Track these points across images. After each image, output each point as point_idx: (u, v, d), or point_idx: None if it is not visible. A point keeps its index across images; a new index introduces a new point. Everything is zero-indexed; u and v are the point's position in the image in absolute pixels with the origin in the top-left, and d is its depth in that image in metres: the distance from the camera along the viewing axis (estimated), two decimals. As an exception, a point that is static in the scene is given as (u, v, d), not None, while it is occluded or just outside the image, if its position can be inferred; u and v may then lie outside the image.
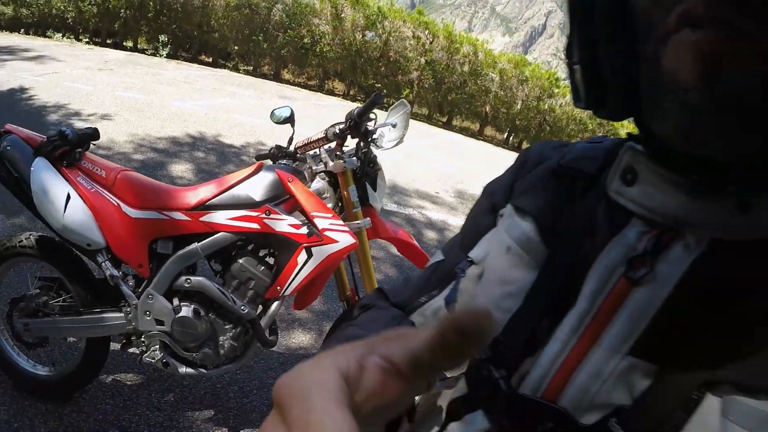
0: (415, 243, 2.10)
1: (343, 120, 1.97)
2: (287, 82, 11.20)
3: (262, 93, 9.25)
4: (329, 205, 1.87)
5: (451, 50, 10.78)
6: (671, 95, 0.35)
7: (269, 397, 2.24)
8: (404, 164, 6.21)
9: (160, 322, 1.82)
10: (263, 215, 1.72)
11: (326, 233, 1.71)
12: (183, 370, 1.89)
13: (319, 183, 1.94)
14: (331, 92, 11.36)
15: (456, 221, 4.87)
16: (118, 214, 1.78)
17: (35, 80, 7.48)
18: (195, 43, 11.68)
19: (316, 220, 1.73)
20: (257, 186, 1.77)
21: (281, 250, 1.77)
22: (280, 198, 1.77)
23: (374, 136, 1.98)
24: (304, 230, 1.72)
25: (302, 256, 1.72)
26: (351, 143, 2.01)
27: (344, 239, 1.73)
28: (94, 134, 1.91)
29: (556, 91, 11.29)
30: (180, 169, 4.81)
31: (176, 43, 11.61)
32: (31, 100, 6.54)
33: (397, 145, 2.01)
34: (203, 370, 1.89)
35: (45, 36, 12.68)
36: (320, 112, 8.24)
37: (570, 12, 0.45)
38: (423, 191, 5.31)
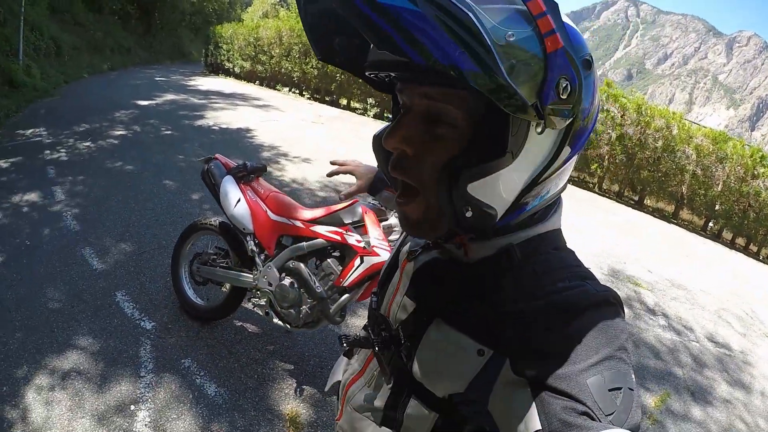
0: None
1: None
2: None
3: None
4: (395, 237, 2.55)
5: (642, 124, 10.28)
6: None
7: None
8: (566, 237, 6.34)
9: (270, 285, 2.81)
10: (344, 232, 2.58)
11: (374, 248, 2.50)
12: (276, 321, 2.85)
13: (393, 219, 2.63)
14: None
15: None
16: (264, 216, 2.85)
17: (259, 123, 9.65)
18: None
19: (371, 239, 2.52)
20: (348, 214, 2.62)
21: (349, 256, 2.61)
22: (359, 223, 2.59)
23: None
24: (362, 244, 2.53)
25: (357, 261, 2.54)
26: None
27: (385, 255, 2.48)
28: (263, 168, 3.09)
29: (761, 171, 9.85)
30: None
31: (383, 106, 13.62)
32: (252, 139, 8.57)
33: None
34: (288, 326, 2.82)
35: (274, 89, 15.84)
36: None
37: None
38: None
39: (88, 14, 20.21)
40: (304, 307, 2.74)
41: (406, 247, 0.90)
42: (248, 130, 9.17)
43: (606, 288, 0.69)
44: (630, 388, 0.60)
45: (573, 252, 0.78)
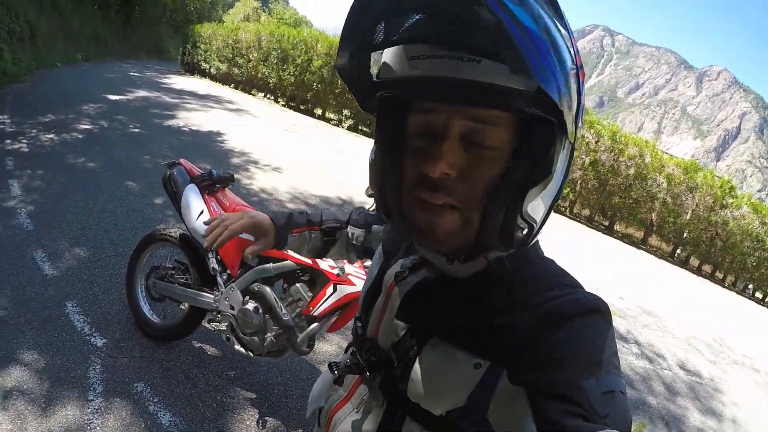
0: None
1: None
2: None
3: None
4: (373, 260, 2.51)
5: (615, 151, 10.53)
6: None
7: (303, 405, 2.82)
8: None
9: (232, 308, 2.59)
10: None
11: (349, 276, 2.33)
12: (237, 347, 2.62)
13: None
14: None
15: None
16: None
17: (231, 128, 9.40)
18: (373, 121, 13.37)
19: (346, 267, 2.35)
20: None
21: (320, 283, 2.42)
22: None
23: None
24: (336, 271, 2.36)
25: (330, 290, 2.36)
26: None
27: (361, 284, 2.30)
28: (230, 178, 2.84)
29: (730, 201, 10.22)
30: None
31: (358, 118, 13.47)
32: (222, 144, 8.32)
33: None
34: (251, 354, 2.59)
35: (250, 93, 15.59)
36: None
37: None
38: None
39: (68, 0, 19.52)
40: (269, 334, 2.52)
41: (390, 270, 0.90)
42: (219, 134, 8.93)
43: (595, 296, 0.72)
44: (621, 392, 0.63)
45: (554, 261, 0.81)
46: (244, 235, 2.55)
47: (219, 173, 2.79)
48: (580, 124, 0.71)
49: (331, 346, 3.53)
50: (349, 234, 1.32)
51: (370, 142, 11.08)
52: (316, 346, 3.34)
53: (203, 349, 3.12)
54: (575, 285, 0.74)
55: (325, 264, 2.38)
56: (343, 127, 13.45)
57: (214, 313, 2.69)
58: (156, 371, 2.83)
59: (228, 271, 2.67)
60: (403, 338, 0.82)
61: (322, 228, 1.31)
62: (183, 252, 2.88)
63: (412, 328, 0.82)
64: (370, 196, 2.62)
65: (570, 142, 0.70)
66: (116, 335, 3.06)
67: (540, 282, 0.74)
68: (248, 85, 16.75)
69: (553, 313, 0.68)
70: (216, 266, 2.67)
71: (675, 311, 6.31)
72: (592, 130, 10.64)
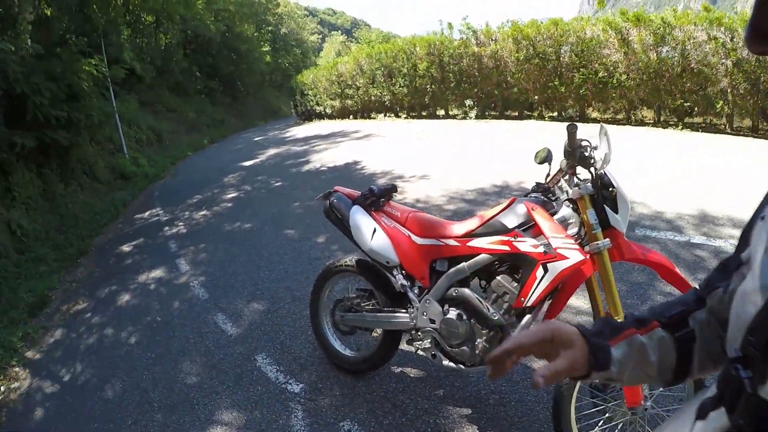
0: (673, 266, 2.09)
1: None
2: (594, 120, 10.94)
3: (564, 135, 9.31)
4: (573, 230, 2.09)
5: None
6: None
7: (524, 411, 2.50)
8: (714, 187, 5.36)
9: (432, 321, 2.38)
10: (512, 239, 2.12)
11: (558, 251, 1.99)
12: (446, 363, 2.39)
13: (565, 210, 2.13)
14: (641, 122, 10.57)
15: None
16: (408, 242, 2.47)
17: (365, 154, 9.51)
18: (498, 101, 12.79)
19: (550, 240, 2.02)
20: (509, 216, 2.18)
21: (525, 268, 2.11)
22: (527, 224, 2.13)
23: (593, 161, 2.11)
24: (541, 249, 2.04)
25: (540, 272, 2.04)
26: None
27: (574, 256, 1.97)
28: (392, 188, 2.75)
29: None
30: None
31: (481, 104, 12.97)
32: (363, 170, 8.38)
33: (605, 164, 2.06)
34: (462, 366, 2.35)
35: (369, 118, 15.81)
36: (628, 146, 7.78)
37: None
38: (738, 219, 4.46)
39: (177, 99, 21.97)
40: (479, 340, 2.27)
41: None
42: (356, 163, 9.08)
43: None
44: None
45: None
46: (423, 241, 2.43)
47: (380, 187, 2.69)
48: None
49: None
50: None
51: (500, 125, 10.54)
52: None
53: (405, 373, 2.93)
54: None
55: (526, 245, 2.08)
56: (470, 119, 13.04)
57: (413, 332, 2.51)
58: (360, 405, 2.69)
59: (418, 284, 2.50)
60: None
61: (662, 321, 0.82)
62: (364, 278, 2.78)
63: None
64: (540, 162, 2.29)
65: None
66: (312, 378, 3.01)
67: None
68: (365, 111, 17.19)
69: None
70: (404, 281, 2.51)
71: None
72: (722, 28, 9.11)
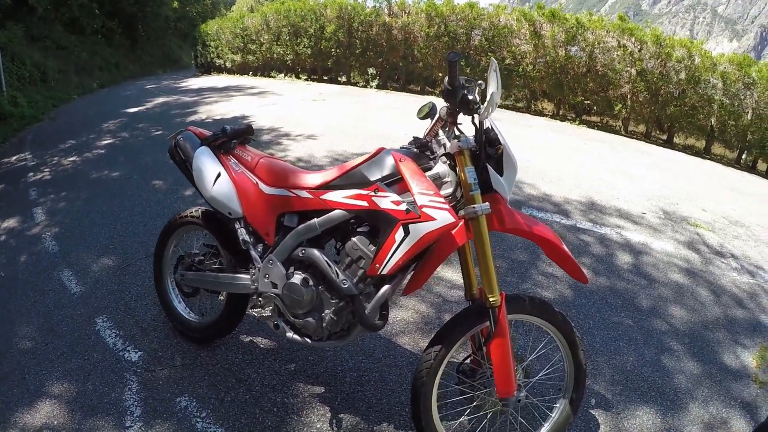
0: (560, 242, 1.81)
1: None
2: None
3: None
4: (448, 190, 1.75)
5: (662, 56, 9.49)
6: None
7: (384, 392, 2.29)
8: (608, 181, 5.54)
9: (274, 285, 2.01)
10: (372, 193, 1.76)
11: (424, 209, 1.64)
12: (290, 335, 2.04)
13: (440, 167, 1.78)
14: (540, 113, 10.92)
15: (659, 245, 4.16)
16: (255, 190, 2.08)
17: (256, 110, 8.94)
18: (402, 74, 12.60)
19: (416, 197, 1.66)
20: (373, 167, 1.82)
21: (385, 228, 1.74)
22: (392, 178, 1.77)
23: (476, 107, 1.73)
24: (403, 207, 1.68)
25: (399, 234, 1.68)
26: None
27: (442, 217, 1.63)
28: (248, 130, 2.29)
29: None
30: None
31: (384, 74, 12.74)
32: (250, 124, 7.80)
33: (491, 107, 1.69)
34: (308, 340, 2.01)
35: (269, 76, 15.08)
36: (527, 132, 7.92)
37: None
38: (625, 210, 4.64)
39: (70, 37, 19.34)
40: (327, 311, 1.93)
41: None
42: (244, 117, 8.46)
43: None
44: None
45: None
46: (271, 190, 1.99)
47: (234, 128, 2.26)
48: None
49: (407, 312, 2.94)
50: None
51: (400, 97, 10.35)
52: (391, 315, 2.79)
53: (254, 343, 2.62)
54: None
55: (387, 201, 1.72)
56: (371, 87, 12.69)
57: (254, 297, 2.15)
58: (201, 379, 2.36)
59: (263, 241, 2.12)
60: None
61: None
62: (209, 232, 2.37)
63: None
64: (423, 118, 1.87)
65: None
66: (153, 345, 2.63)
67: None
68: (266, 68, 16.18)
69: None
70: (247, 237, 2.13)
71: (760, 219, 5.44)
72: (633, 38, 9.67)
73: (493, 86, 1.66)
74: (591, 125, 9.62)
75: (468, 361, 1.96)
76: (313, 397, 2.25)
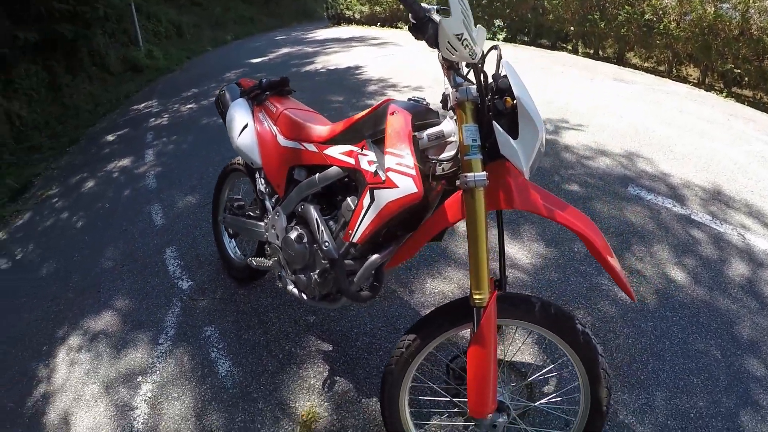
0: (598, 235, 1.35)
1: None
2: (633, 66, 9.37)
3: (595, 74, 8.00)
4: (451, 152, 1.42)
5: None
6: None
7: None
8: (746, 168, 4.06)
9: (277, 237, 1.99)
10: (359, 150, 1.58)
11: (389, 174, 1.41)
12: (290, 288, 1.99)
13: (448, 123, 1.46)
14: (683, 79, 8.80)
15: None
16: (273, 142, 2.05)
17: (371, 60, 8.94)
18: (531, 27, 11.65)
19: (386, 158, 1.43)
20: (370, 121, 1.60)
21: (360, 191, 1.57)
22: (382, 134, 1.52)
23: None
24: (373, 168, 1.49)
25: (367, 199, 1.49)
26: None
27: (404, 185, 1.39)
28: (283, 82, 2.28)
29: None
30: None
31: (513, 27, 11.82)
32: (360, 75, 7.89)
33: (471, 42, 1.32)
34: (304, 296, 1.93)
35: (396, 27, 14.93)
36: (662, 99, 6.59)
37: None
38: (758, 208, 3.42)
39: None
40: (315, 272, 1.82)
41: None
42: (357, 68, 8.50)
43: None
44: None
45: None
46: (286, 143, 1.94)
47: (269, 79, 2.26)
48: None
49: (450, 285, 2.62)
50: None
51: (531, 50, 9.63)
52: (428, 285, 2.61)
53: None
54: None
55: (365, 160, 1.53)
56: (498, 41, 11.68)
57: (266, 246, 2.18)
58: (230, 314, 2.54)
59: (277, 194, 2.11)
60: None
61: None
62: (250, 179, 2.42)
63: None
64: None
65: None
66: (203, 277, 2.88)
67: None
68: (393, 20, 15.96)
69: None
70: (263, 188, 2.16)
71: None
72: None
73: (457, 8, 1.30)
74: (741, 99, 7.78)
75: (456, 361, 1.71)
76: (318, 353, 2.26)
